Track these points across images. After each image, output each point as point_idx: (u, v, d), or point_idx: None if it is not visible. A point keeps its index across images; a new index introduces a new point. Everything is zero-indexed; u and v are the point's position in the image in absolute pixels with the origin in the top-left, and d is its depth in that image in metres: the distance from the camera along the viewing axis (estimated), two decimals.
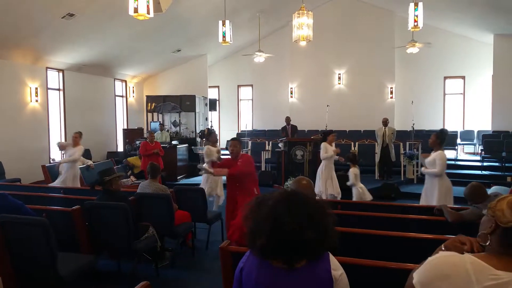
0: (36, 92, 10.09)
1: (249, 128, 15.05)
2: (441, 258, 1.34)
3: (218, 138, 8.12)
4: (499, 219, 1.27)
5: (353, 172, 6.72)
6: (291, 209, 1.50)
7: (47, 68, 10.54)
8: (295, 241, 1.47)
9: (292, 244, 1.48)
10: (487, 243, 1.31)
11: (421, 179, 10.04)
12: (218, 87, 16.36)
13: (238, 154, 5.16)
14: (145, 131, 13.96)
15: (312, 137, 10.27)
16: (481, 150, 11.26)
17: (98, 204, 4.24)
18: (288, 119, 11.23)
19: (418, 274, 1.36)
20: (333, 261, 1.60)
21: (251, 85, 16.01)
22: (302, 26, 8.68)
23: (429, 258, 1.37)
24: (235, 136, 4.94)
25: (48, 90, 10.68)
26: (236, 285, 1.69)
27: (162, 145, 9.41)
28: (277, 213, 1.49)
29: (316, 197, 1.68)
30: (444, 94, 14.14)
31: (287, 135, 10.77)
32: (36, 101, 10.11)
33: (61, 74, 11.17)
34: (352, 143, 11.07)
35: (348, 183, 6.85)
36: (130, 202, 4.39)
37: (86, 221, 4.20)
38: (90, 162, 8.65)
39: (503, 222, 1.26)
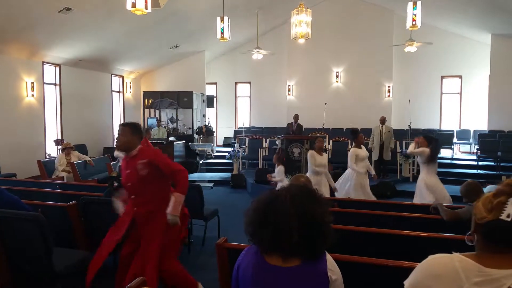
0: (32, 87, 10.04)
1: (247, 125, 15.05)
2: (430, 261, 1.34)
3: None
4: (475, 217, 1.29)
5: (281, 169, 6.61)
6: (310, 200, 1.55)
7: (43, 62, 10.48)
8: (323, 230, 1.52)
9: (321, 234, 1.52)
10: (474, 242, 1.31)
11: (417, 178, 10.08)
12: (215, 83, 16.33)
13: (128, 147, 3.40)
14: (142, 127, 13.93)
15: (309, 135, 10.29)
16: (477, 149, 11.31)
17: (94, 200, 4.23)
18: (296, 117, 11.10)
19: (409, 279, 1.37)
20: (330, 260, 1.61)
21: (249, 82, 15.99)
22: (301, 23, 8.69)
23: (419, 264, 1.38)
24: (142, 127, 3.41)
25: (45, 85, 10.63)
26: (234, 284, 1.70)
27: (159, 142, 9.40)
28: (301, 207, 1.52)
29: None
30: (441, 93, 14.18)
31: (291, 132, 10.68)
32: (32, 95, 10.06)
33: (57, 68, 11.12)
34: (349, 142, 11.08)
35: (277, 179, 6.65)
36: None
37: (82, 217, 4.19)
38: (88, 158, 8.65)
39: (478, 218, 1.27)
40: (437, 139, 6.10)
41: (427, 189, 5.80)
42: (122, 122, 13.39)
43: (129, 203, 3.37)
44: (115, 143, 3.45)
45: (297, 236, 1.48)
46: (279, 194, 1.57)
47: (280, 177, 6.45)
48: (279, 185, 6.45)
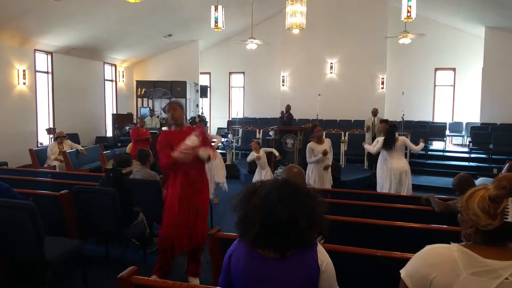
0: (24, 75, 9.92)
1: (240, 115, 15.02)
2: (428, 250, 1.35)
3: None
4: (477, 224, 1.28)
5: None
6: (284, 198, 1.51)
7: (35, 50, 10.34)
8: (288, 231, 1.49)
9: (285, 234, 1.50)
10: (472, 242, 1.32)
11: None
12: (209, 73, 16.24)
13: (181, 121, 3.95)
14: (134, 116, 13.85)
15: (303, 126, 10.28)
16: (469, 141, 11.39)
17: (86, 189, 4.20)
18: (288, 107, 11.15)
19: (406, 268, 1.37)
20: (320, 250, 1.61)
21: (243, 73, 15.92)
22: (296, 13, 8.64)
23: (417, 253, 1.38)
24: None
25: (36, 73, 10.51)
26: (224, 273, 1.70)
27: (152, 131, 9.36)
28: (270, 203, 1.50)
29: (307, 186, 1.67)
30: (435, 86, 14.22)
31: (283, 123, 10.73)
32: (24, 83, 9.94)
33: (49, 56, 10.98)
34: (342, 133, 11.12)
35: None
36: (132, 193, 4.31)
37: (74, 206, 4.17)
38: (80, 147, 8.58)
39: (482, 225, 1.26)
40: (392, 126, 6.13)
41: (405, 175, 5.95)
42: (114, 112, 13.26)
43: (181, 170, 3.71)
44: (170, 120, 3.90)
45: (256, 230, 1.49)
46: (259, 188, 1.58)
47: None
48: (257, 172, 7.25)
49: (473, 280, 1.23)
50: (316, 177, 6.19)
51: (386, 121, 7.08)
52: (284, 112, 10.98)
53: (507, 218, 1.23)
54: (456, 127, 13.46)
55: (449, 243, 1.33)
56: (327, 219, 1.59)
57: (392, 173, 6.00)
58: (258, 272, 1.55)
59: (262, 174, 7.44)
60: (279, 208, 1.48)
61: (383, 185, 6.22)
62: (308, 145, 6.22)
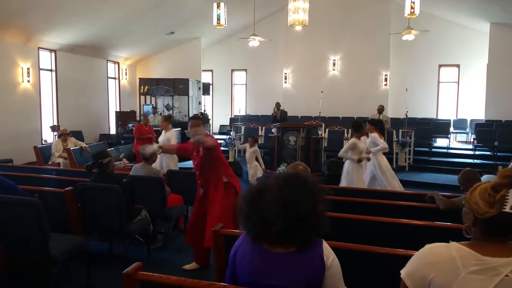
0: (28, 73, 9.95)
1: (243, 113, 15.00)
2: (427, 249, 1.35)
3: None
4: (476, 212, 1.28)
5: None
6: (299, 189, 1.55)
7: (39, 48, 10.37)
8: (309, 221, 1.53)
9: (306, 225, 1.53)
10: (472, 235, 1.32)
11: (412, 167, 10.12)
12: (211, 71, 16.23)
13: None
14: (137, 114, 13.88)
15: (305, 123, 10.26)
16: (474, 139, 11.34)
17: (91, 186, 4.22)
18: (278, 105, 11.21)
19: (406, 267, 1.38)
20: (326, 247, 1.62)
21: (245, 70, 15.89)
22: (298, 10, 8.61)
23: (416, 252, 1.39)
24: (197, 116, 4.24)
25: (40, 71, 10.54)
26: (230, 268, 1.71)
27: (154, 129, 9.38)
28: (288, 196, 1.52)
29: None
30: (439, 82, 14.15)
31: (276, 120, 10.80)
32: (28, 81, 9.98)
33: (53, 54, 11.01)
34: (345, 130, 11.08)
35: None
36: (124, 185, 4.37)
37: (78, 203, 4.19)
38: (84, 144, 8.61)
39: (480, 214, 1.27)
40: (380, 121, 6.43)
41: (386, 171, 5.97)
42: (117, 110, 13.28)
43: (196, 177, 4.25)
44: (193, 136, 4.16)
45: (280, 225, 1.50)
46: (269, 183, 1.59)
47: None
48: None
49: (472, 279, 1.22)
50: (354, 176, 5.99)
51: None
52: (276, 110, 11.01)
53: (505, 208, 1.23)
54: (460, 124, 13.39)
55: (448, 242, 1.33)
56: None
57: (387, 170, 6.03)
58: (263, 267, 1.56)
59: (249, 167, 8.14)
60: (297, 200, 1.52)
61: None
62: (353, 140, 6.06)
